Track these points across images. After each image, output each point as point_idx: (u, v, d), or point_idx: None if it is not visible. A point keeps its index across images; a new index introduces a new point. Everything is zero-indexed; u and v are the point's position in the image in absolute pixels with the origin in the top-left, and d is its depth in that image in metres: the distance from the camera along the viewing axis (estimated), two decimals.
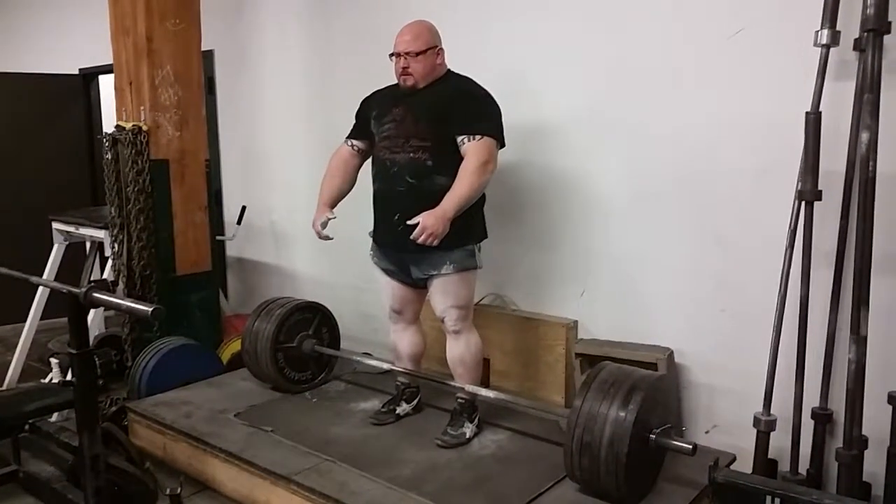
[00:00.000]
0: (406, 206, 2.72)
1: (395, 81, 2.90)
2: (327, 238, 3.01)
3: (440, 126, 2.73)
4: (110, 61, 3.81)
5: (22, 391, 3.59)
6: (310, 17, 4.29)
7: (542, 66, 3.31)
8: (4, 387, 4.25)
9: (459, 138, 2.71)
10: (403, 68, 2.78)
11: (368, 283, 3.79)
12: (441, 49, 2.83)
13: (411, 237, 2.61)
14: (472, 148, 2.69)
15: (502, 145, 2.80)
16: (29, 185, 5.41)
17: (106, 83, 5.64)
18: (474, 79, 2.87)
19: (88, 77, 6.00)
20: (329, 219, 3.00)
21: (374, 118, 2.93)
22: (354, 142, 3.07)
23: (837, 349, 2.60)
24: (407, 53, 2.76)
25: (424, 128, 2.75)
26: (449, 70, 2.89)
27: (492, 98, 2.81)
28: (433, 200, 2.65)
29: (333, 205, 3.05)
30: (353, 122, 3.08)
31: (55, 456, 2.86)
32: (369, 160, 3.02)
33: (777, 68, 2.69)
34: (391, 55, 2.83)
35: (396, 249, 2.87)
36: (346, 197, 3.10)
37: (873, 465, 2.54)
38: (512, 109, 2.91)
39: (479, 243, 2.88)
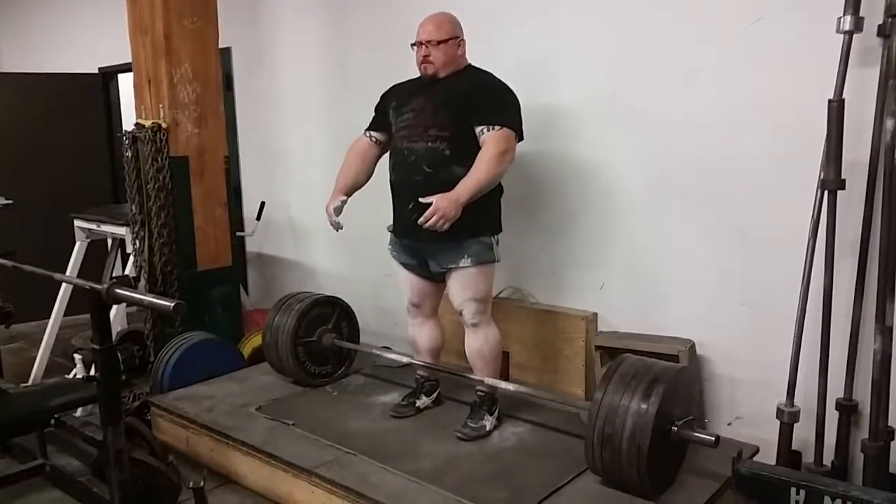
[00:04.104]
0: (423, 195, 2.72)
1: (414, 76, 2.92)
2: (339, 226, 2.97)
3: (459, 116, 2.74)
4: (129, 60, 3.84)
5: (47, 387, 3.63)
6: (327, 13, 4.29)
7: (560, 56, 3.29)
8: (30, 382, 4.32)
9: (479, 128, 2.72)
10: (424, 56, 2.81)
11: (387, 278, 3.80)
12: (462, 40, 2.86)
13: (419, 221, 2.60)
14: (490, 137, 2.70)
15: (521, 138, 2.80)
16: (51, 184, 5.46)
17: (125, 81, 5.68)
18: (493, 71, 2.87)
19: (108, 76, 6.04)
20: (343, 202, 2.98)
21: (393, 108, 2.95)
22: (373, 133, 3.08)
23: (862, 340, 2.57)
24: (428, 42, 2.79)
25: (443, 118, 2.76)
26: (469, 64, 2.91)
27: (512, 92, 2.82)
28: (450, 190, 2.66)
29: (349, 193, 3.03)
30: (372, 115, 3.09)
31: (80, 450, 2.90)
32: (387, 153, 3.02)
33: (799, 55, 2.65)
34: (413, 44, 2.85)
35: (412, 238, 2.87)
36: (365, 192, 3.08)
37: None
38: (531, 100, 2.90)
39: (497, 236, 2.88)
